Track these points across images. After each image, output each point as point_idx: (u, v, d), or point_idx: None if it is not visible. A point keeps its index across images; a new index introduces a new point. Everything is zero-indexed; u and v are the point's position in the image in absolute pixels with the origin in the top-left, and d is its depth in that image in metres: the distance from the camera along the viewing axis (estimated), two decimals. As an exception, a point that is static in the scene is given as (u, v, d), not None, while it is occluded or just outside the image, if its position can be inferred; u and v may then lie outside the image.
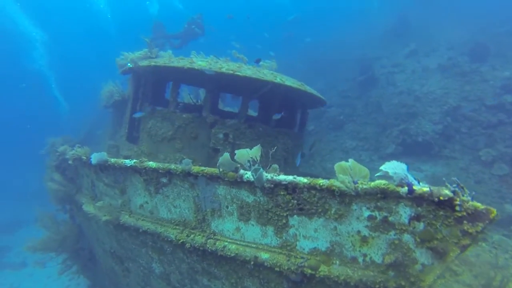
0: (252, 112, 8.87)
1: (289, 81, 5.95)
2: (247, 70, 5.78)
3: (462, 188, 2.87)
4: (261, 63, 6.47)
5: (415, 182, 2.93)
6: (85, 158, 5.43)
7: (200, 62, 6.11)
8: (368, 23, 24.70)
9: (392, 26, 21.10)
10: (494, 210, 2.57)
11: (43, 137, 8.89)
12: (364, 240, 3.17)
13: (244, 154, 3.31)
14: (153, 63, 6.33)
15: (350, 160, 3.11)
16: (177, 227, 4.37)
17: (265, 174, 3.26)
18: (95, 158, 4.89)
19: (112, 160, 4.93)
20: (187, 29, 16.63)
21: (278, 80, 5.82)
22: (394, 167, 2.83)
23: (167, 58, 6.66)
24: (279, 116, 6.40)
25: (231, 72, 5.64)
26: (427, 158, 11.85)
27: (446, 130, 11.92)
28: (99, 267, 7.45)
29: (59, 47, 35.51)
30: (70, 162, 5.99)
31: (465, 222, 2.69)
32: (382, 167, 2.85)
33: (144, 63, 6.52)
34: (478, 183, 9.40)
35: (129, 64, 6.53)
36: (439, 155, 11.61)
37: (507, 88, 11.68)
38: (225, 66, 5.89)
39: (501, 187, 8.84)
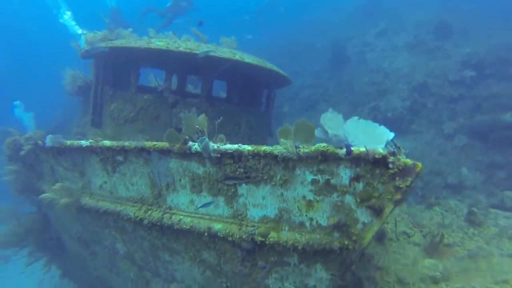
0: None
1: (249, 58, 5.94)
2: (205, 49, 5.73)
3: (399, 148, 3.02)
4: (220, 40, 6.41)
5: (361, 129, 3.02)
6: (40, 142, 5.30)
7: (158, 42, 5.99)
8: (339, 2, 24.72)
9: (363, 6, 21.25)
10: (420, 164, 2.72)
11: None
12: (309, 204, 3.28)
13: (190, 123, 3.33)
14: (110, 44, 6.17)
15: (295, 121, 3.18)
16: (135, 204, 4.38)
17: (211, 143, 3.29)
18: (49, 140, 4.79)
19: (68, 141, 4.84)
20: (173, 6, 15.55)
21: (237, 57, 5.79)
22: (330, 120, 2.91)
23: (125, 39, 6.50)
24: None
25: (189, 51, 5.59)
26: (397, 133, 12.07)
27: (413, 106, 12.24)
28: (68, 255, 7.39)
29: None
30: (22, 153, 5.84)
31: (397, 178, 2.83)
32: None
33: (102, 44, 6.35)
34: (441, 155, 9.80)
35: (81, 45, 6.33)
36: (408, 130, 11.95)
37: (466, 63, 12.08)
38: (183, 45, 5.81)
39: (459, 157, 9.26)
